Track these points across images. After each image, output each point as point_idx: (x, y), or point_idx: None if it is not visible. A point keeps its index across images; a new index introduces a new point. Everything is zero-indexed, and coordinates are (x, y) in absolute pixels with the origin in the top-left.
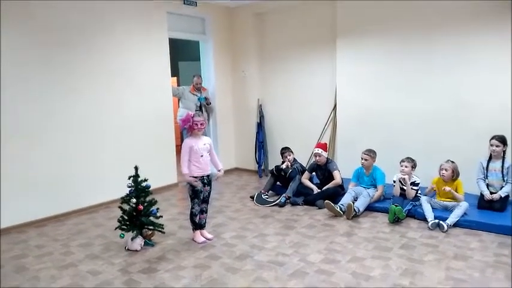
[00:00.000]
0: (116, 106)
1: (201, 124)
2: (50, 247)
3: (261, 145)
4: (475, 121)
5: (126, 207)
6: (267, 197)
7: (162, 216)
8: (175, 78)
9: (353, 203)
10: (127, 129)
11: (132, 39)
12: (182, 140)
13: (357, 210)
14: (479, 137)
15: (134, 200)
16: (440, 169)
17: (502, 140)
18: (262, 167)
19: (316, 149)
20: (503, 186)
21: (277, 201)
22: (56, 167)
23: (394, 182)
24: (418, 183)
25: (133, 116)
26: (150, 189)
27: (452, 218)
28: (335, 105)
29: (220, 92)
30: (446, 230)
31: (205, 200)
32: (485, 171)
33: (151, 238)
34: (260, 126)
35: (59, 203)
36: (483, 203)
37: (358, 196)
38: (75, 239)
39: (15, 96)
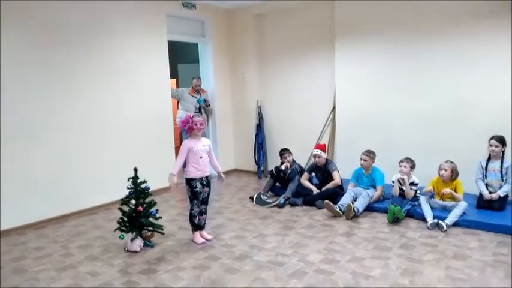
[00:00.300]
0: (116, 107)
1: (200, 124)
2: (50, 249)
3: (260, 146)
4: (475, 121)
5: (125, 208)
6: (266, 197)
7: (161, 218)
8: (175, 80)
9: (352, 203)
10: (127, 129)
11: (132, 40)
12: (181, 142)
13: (356, 211)
14: (479, 137)
15: (134, 202)
16: (440, 169)
17: (501, 140)
18: (262, 168)
19: (315, 150)
20: (502, 186)
21: (277, 202)
22: (55, 168)
23: (393, 182)
24: (417, 184)
25: (133, 117)
26: (149, 190)
27: (452, 218)
28: (334, 106)
29: (219, 93)
30: (446, 230)
31: (205, 201)
32: (484, 171)
33: (151, 239)
34: (259, 127)
35: (58, 205)
36: (482, 203)
37: (357, 196)
38: (74, 240)
39: (15, 97)
